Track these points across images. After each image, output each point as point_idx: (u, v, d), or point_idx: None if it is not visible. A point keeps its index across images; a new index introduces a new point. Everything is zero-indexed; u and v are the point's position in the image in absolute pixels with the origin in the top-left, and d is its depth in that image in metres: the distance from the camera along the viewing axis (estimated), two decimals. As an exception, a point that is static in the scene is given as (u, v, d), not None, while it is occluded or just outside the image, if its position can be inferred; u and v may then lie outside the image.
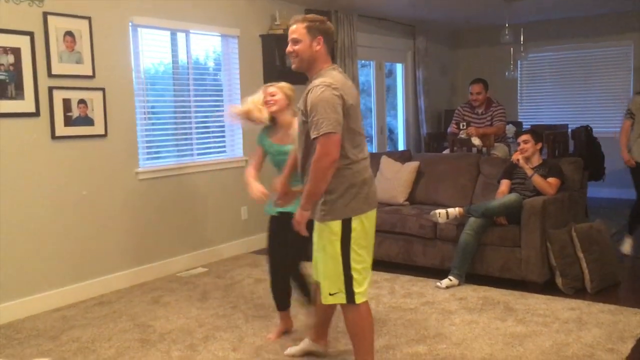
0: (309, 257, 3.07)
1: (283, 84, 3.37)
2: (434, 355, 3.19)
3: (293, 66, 2.77)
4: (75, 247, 4.35)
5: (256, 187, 3.33)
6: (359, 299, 2.71)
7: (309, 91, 2.63)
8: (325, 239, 2.70)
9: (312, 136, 2.58)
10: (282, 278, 3.44)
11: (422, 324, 3.65)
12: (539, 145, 4.71)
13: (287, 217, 3.07)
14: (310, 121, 2.59)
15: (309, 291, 3.42)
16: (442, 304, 4.02)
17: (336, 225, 2.66)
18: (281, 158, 3.31)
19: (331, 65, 2.74)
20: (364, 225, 2.71)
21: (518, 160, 4.63)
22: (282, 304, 3.53)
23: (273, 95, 3.31)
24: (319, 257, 2.79)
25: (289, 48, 2.73)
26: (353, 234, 2.67)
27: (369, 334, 2.81)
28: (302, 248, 3.23)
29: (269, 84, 3.43)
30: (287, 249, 3.34)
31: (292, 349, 3.28)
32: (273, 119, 3.39)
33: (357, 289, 2.71)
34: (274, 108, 3.31)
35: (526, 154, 4.62)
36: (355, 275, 2.69)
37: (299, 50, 2.69)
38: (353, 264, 2.69)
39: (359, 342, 2.80)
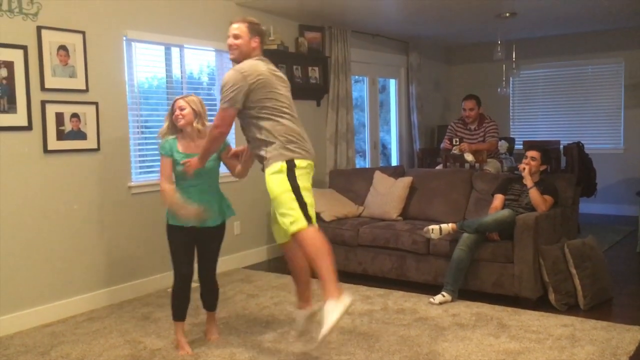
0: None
1: (192, 98, 3.54)
2: (427, 372, 3.17)
3: (231, 57, 3.24)
4: (66, 261, 4.31)
5: (189, 206, 3.38)
6: (314, 221, 3.05)
7: None
8: (274, 183, 3.04)
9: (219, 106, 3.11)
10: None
11: (415, 340, 3.63)
12: (544, 167, 4.72)
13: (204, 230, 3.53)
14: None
15: None
16: (435, 320, 4.00)
17: (281, 165, 3.04)
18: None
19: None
20: (303, 170, 3.07)
21: (524, 169, 4.63)
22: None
23: (182, 110, 3.47)
24: (275, 206, 3.09)
25: (230, 41, 3.20)
26: (296, 171, 3.04)
27: (328, 252, 3.00)
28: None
29: (179, 97, 3.57)
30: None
31: (295, 331, 3.42)
32: (181, 130, 3.54)
33: (311, 214, 3.05)
34: (181, 122, 3.48)
35: (531, 169, 4.63)
36: (307, 202, 3.03)
37: (240, 44, 3.19)
38: (303, 194, 3.03)
39: (322, 259, 2.96)
